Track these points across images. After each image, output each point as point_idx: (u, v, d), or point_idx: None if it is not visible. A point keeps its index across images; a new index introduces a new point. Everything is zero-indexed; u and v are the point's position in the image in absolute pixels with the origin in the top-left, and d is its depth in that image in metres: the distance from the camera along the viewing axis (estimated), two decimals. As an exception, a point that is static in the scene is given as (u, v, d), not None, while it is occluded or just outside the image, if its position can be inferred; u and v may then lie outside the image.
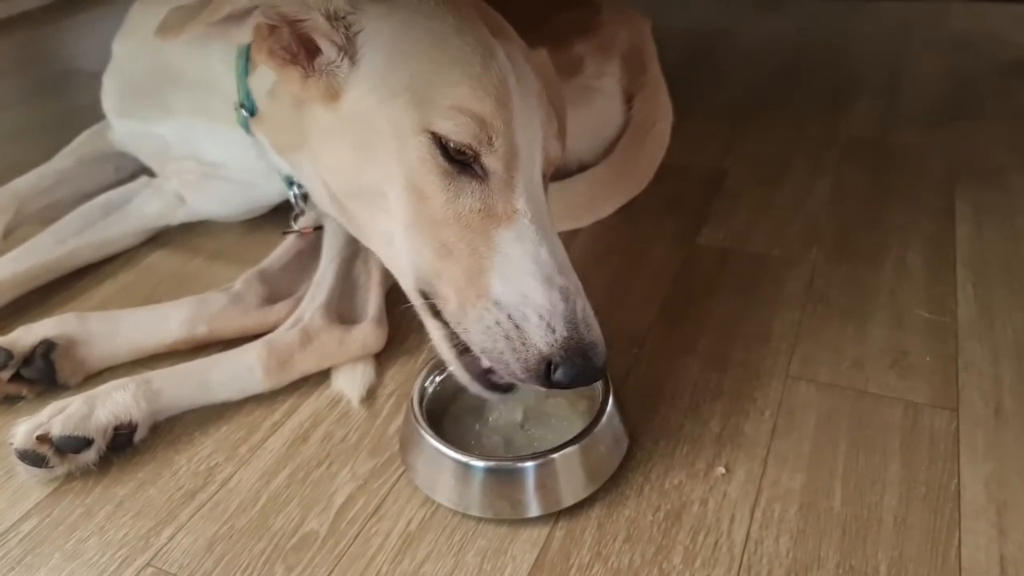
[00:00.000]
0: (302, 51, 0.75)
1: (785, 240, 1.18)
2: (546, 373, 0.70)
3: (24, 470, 0.79)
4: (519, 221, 0.72)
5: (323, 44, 0.74)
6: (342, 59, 0.74)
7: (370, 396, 0.90)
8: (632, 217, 1.24)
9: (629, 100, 1.32)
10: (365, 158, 0.75)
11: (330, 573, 0.70)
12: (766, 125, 1.55)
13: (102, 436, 0.81)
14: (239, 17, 0.74)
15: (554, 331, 0.69)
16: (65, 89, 1.80)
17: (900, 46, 1.94)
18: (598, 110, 1.26)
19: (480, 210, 0.72)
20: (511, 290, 0.70)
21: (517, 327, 0.70)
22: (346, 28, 0.74)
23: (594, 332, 0.72)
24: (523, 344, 0.70)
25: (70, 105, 1.68)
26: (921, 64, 1.83)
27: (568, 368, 0.69)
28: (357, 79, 0.74)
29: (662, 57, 1.39)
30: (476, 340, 0.72)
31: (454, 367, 0.76)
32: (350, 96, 0.75)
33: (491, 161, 0.72)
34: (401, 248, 0.76)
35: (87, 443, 0.80)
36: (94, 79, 1.16)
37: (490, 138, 0.71)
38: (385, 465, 0.81)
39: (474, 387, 0.75)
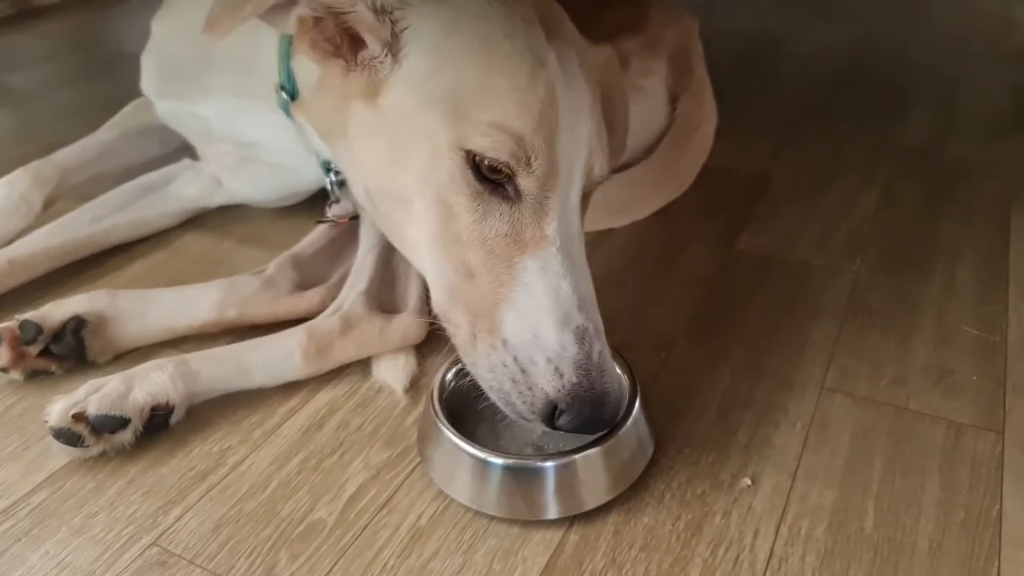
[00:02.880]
0: (346, 44, 0.72)
1: (828, 249, 1.14)
2: (552, 415, 0.67)
3: (59, 449, 0.78)
4: (546, 249, 0.68)
5: (368, 38, 0.71)
6: (385, 55, 0.71)
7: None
8: (671, 218, 1.20)
9: (674, 101, 1.28)
10: (397, 162, 0.72)
11: (335, 564, 0.69)
12: (816, 132, 1.50)
13: (139, 416, 0.79)
14: (284, 6, 0.71)
15: (562, 376, 0.66)
16: (116, 71, 1.82)
17: (961, 59, 1.87)
18: (642, 109, 1.22)
19: (507, 234, 0.69)
20: (523, 328, 0.67)
21: (523, 371, 0.67)
22: (392, 23, 0.70)
23: (608, 380, 0.68)
24: (529, 388, 0.67)
25: (120, 86, 1.69)
26: (982, 77, 1.76)
27: (573, 415, 0.66)
28: (398, 78, 0.71)
29: (713, 60, 1.35)
30: (483, 376, 0.70)
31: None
32: (389, 96, 0.72)
33: (526, 182, 0.68)
34: (426, 261, 0.74)
35: (123, 423, 0.78)
36: (143, 62, 1.16)
37: (528, 158, 0.67)
38: (399, 457, 0.80)
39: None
